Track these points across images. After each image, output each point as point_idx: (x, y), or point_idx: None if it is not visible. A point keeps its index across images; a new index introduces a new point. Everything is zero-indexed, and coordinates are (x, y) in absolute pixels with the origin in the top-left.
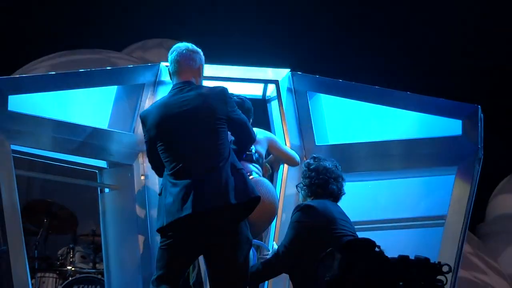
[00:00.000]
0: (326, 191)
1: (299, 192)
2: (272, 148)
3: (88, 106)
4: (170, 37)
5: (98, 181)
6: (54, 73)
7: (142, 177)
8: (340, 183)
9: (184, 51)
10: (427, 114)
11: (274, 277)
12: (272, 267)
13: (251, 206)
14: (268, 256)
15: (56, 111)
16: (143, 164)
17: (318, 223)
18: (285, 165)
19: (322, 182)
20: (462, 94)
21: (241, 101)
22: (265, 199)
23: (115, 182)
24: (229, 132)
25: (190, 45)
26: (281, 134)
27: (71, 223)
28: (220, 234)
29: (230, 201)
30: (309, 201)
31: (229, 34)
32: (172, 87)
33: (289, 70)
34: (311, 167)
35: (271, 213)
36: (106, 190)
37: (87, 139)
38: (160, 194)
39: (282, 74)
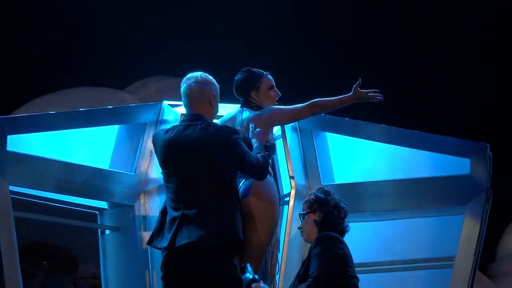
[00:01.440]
0: (336, 230)
1: (302, 221)
2: (279, 118)
3: (89, 146)
4: (174, 74)
5: (99, 223)
6: (54, 112)
7: (144, 218)
8: (345, 222)
9: (192, 84)
10: (435, 153)
11: None
12: None
13: (232, 247)
14: None
15: (56, 151)
16: (145, 205)
17: (344, 256)
18: (290, 205)
19: (335, 220)
20: (470, 132)
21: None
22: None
23: (116, 223)
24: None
25: (199, 75)
26: (286, 174)
27: (71, 265)
28: (197, 273)
29: (205, 240)
30: (332, 233)
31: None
32: (181, 118)
33: None
34: (323, 200)
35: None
36: (107, 231)
37: (87, 180)
38: (161, 213)
39: None
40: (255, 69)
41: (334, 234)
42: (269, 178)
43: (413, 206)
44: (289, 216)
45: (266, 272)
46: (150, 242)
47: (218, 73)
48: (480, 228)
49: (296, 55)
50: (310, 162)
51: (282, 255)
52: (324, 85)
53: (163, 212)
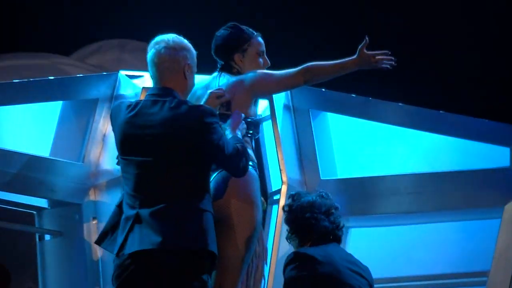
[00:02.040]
0: (320, 232)
1: (290, 245)
2: (265, 86)
3: (24, 128)
4: (133, 38)
5: (36, 225)
6: None
7: (94, 221)
8: (333, 215)
9: (162, 50)
10: (465, 140)
11: None
12: None
13: (200, 259)
14: None
15: None
16: (95, 204)
17: (318, 276)
18: (281, 205)
19: (311, 222)
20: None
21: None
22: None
23: (58, 226)
24: None
25: (172, 39)
26: (276, 165)
27: (2, 278)
28: (155, 284)
29: (162, 246)
30: (301, 249)
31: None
32: (148, 92)
33: None
34: (293, 207)
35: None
36: (47, 236)
37: (21, 171)
38: (117, 206)
39: None
40: (244, 27)
41: (300, 250)
42: (251, 170)
43: (437, 208)
44: (279, 219)
45: None
46: (99, 241)
47: (194, 38)
48: None
49: (290, 15)
50: (306, 150)
51: (269, 268)
52: (324, 53)
53: (120, 205)
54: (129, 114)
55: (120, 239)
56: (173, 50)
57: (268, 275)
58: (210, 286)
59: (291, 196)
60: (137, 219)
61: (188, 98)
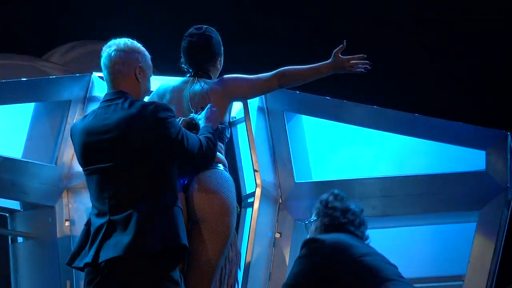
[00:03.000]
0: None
1: (307, 230)
2: (239, 90)
3: None
4: (107, 39)
5: (9, 228)
6: None
7: (67, 223)
8: (362, 232)
9: (113, 53)
10: (440, 143)
11: None
12: None
13: (172, 258)
14: None
15: None
16: (68, 206)
17: (331, 257)
18: (255, 207)
19: (347, 222)
20: (486, 118)
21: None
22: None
23: (31, 228)
24: None
25: (123, 43)
26: (250, 167)
27: None
28: None
29: (135, 250)
30: (319, 235)
31: (179, 36)
32: (102, 99)
33: None
34: (337, 205)
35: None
36: (19, 239)
37: None
38: (85, 225)
39: None
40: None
41: (319, 237)
42: (225, 171)
43: (412, 211)
44: (253, 222)
45: None
46: (70, 262)
47: (159, 40)
48: (497, 239)
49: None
50: (280, 153)
51: (243, 272)
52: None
53: (88, 223)
54: (85, 123)
55: (93, 248)
56: (123, 52)
57: (242, 280)
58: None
59: (334, 195)
60: (109, 227)
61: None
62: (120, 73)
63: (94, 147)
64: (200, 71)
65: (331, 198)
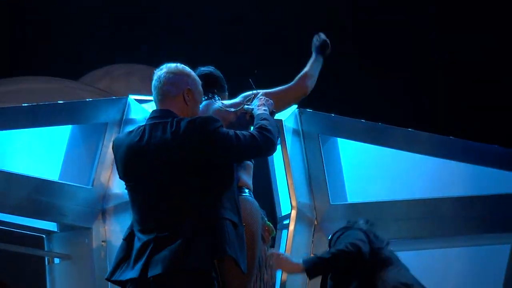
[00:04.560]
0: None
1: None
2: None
3: (34, 152)
4: (143, 63)
5: (46, 249)
6: None
7: (103, 244)
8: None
9: (163, 75)
10: (474, 165)
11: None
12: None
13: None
14: None
15: None
16: (105, 227)
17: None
18: (290, 229)
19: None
20: None
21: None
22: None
23: (67, 250)
24: None
25: (174, 65)
26: (285, 190)
27: None
28: None
29: (181, 266)
30: None
31: (219, 60)
32: (148, 116)
33: (296, 106)
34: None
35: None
36: (56, 260)
37: (31, 194)
38: (125, 239)
39: (287, 112)
40: None
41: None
42: (249, 197)
43: (446, 233)
44: (289, 244)
45: None
46: (110, 276)
47: (203, 61)
48: None
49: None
50: (315, 175)
51: None
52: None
53: (128, 238)
54: (132, 140)
55: (139, 264)
56: (172, 74)
57: None
58: None
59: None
60: (157, 242)
61: None
62: (169, 93)
63: (141, 164)
64: (212, 93)
65: (364, 224)
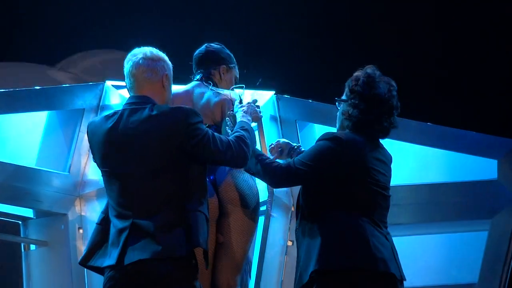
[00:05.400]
0: (373, 129)
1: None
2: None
3: (10, 138)
4: (119, 48)
5: (22, 235)
6: None
7: (80, 231)
8: (393, 116)
9: (140, 61)
10: (452, 152)
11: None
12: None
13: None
14: None
15: None
16: (81, 214)
17: (346, 158)
18: (267, 215)
19: (373, 119)
20: (498, 126)
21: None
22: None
23: (44, 236)
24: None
25: (149, 51)
26: None
27: None
28: None
29: (159, 254)
30: (337, 133)
31: (196, 45)
32: (125, 101)
33: (273, 92)
34: (365, 93)
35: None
36: (32, 246)
37: (7, 180)
38: (99, 224)
39: (264, 97)
40: None
41: (338, 135)
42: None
43: (424, 220)
44: (265, 230)
45: None
46: (84, 261)
47: (171, 51)
48: (508, 248)
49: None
50: None
51: (254, 281)
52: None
53: (102, 223)
54: (109, 125)
55: (116, 251)
56: (151, 60)
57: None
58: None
59: (367, 75)
60: (132, 230)
61: None
62: (148, 80)
63: (118, 149)
64: (205, 74)
65: (361, 80)
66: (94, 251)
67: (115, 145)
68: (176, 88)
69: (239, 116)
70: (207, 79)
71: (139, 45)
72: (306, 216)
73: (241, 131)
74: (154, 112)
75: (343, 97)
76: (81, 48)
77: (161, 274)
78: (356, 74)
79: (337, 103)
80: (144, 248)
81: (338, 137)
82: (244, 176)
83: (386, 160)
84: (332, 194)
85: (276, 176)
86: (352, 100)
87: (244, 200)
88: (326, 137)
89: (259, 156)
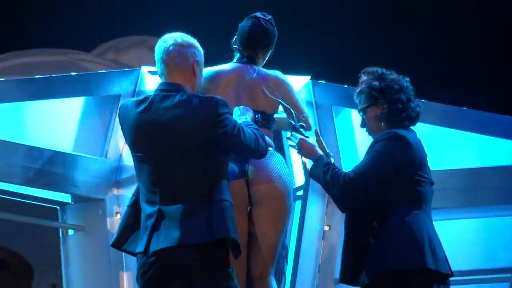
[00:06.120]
0: (407, 119)
1: (363, 118)
2: (287, 100)
3: (47, 124)
4: (154, 34)
5: (60, 221)
6: (1, 79)
7: (117, 216)
8: (416, 98)
9: (171, 47)
10: (489, 136)
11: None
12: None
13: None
14: None
15: (3, 130)
16: (118, 199)
17: (408, 161)
18: (304, 201)
19: (406, 106)
20: None
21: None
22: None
23: (81, 221)
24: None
25: (180, 37)
26: (299, 161)
27: (24, 275)
28: (177, 284)
29: (185, 241)
30: (398, 130)
31: (230, 33)
32: (156, 88)
33: (309, 78)
34: (394, 87)
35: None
36: (70, 231)
37: (45, 166)
38: (130, 206)
39: (300, 83)
40: None
41: (401, 133)
42: (280, 155)
43: (461, 204)
44: (302, 215)
45: None
46: (117, 243)
47: (204, 36)
48: None
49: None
50: (329, 146)
51: (292, 266)
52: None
53: (133, 205)
54: (139, 109)
55: (144, 237)
56: (181, 47)
57: (291, 273)
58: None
59: (378, 76)
60: (159, 216)
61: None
62: (178, 66)
63: (148, 135)
64: (253, 56)
65: (378, 81)
66: (125, 234)
67: (145, 131)
68: (222, 67)
69: (239, 119)
70: (252, 61)
71: (172, 31)
72: (367, 213)
73: (255, 125)
74: (185, 100)
75: (362, 106)
76: (117, 34)
77: (187, 261)
78: (362, 80)
79: (361, 113)
80: (170, 235)
81: (403, 136)
82: (277, 165)
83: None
84: (397, 191)
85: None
86: (374, 100)
87: (277, 190)
88: (391, 137)
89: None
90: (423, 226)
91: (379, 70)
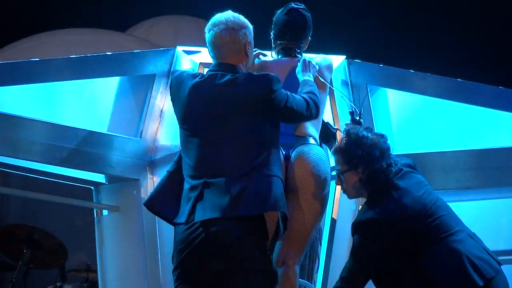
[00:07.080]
0: (387, 184)
1: (341, 180)
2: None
3: (82, 103)
4: (190, 14)
5: (94, 201)
6: (36, 59)
7: None
8: (389, 158)
9: (223, 32)
10: None
11: None
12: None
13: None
14: None
15: (39, 109)
16: (153, 179)
17: (404, 233)
18: (336, 196)
19: (385, 170)
20: None
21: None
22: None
23: (116, 202)
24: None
25: (230, 20)
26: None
27: (58, 254)
28: (221, 257)
29: (232, 213)
30: (379, 209)
31: (268, 13)
32: (210, 68)
33: (344, 57)
34: (373, 152)
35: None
36: (105, 212)
37: (79, 146)
38: (170, 171)
39: (335, 62)
40: None
41: (375, 215)
42: (324, 148)
43: (496, 184)
44: (337, 195)
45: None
46: (150, 204)
47: (252, 14)
48: None
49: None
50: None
51: (327, 245)
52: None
53: (174, 172)
54: (195, 81)
55: (187, 207)
56: (232, 30)
57: (326, 252)
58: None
59: (355, 138)
60: (205, 188)
61: None
62: (231, 50)
63: (200, 110)
64: (298, 49)
65: (355, 145)
66: (160, 197)
67: (197, 105)
68: (266, 59)
69: (300, 76)
70: (298, 54)
71: (211, 10)
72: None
73: (308, 87)
74: (239, 78)
75: (340, 169)
76: (153, 14)
77: (230, 233)
78: (342, 138)
79: (341, 175)
80: (215, 207)
81: (387, 220)
82: (317, 153)
83: (416, 179)
84: (407, 251)
85: None
86: (354, 166)
87: (314, 179)
88: (373, 226)
89: None
90: (453, 251)
91: (360, 132)
